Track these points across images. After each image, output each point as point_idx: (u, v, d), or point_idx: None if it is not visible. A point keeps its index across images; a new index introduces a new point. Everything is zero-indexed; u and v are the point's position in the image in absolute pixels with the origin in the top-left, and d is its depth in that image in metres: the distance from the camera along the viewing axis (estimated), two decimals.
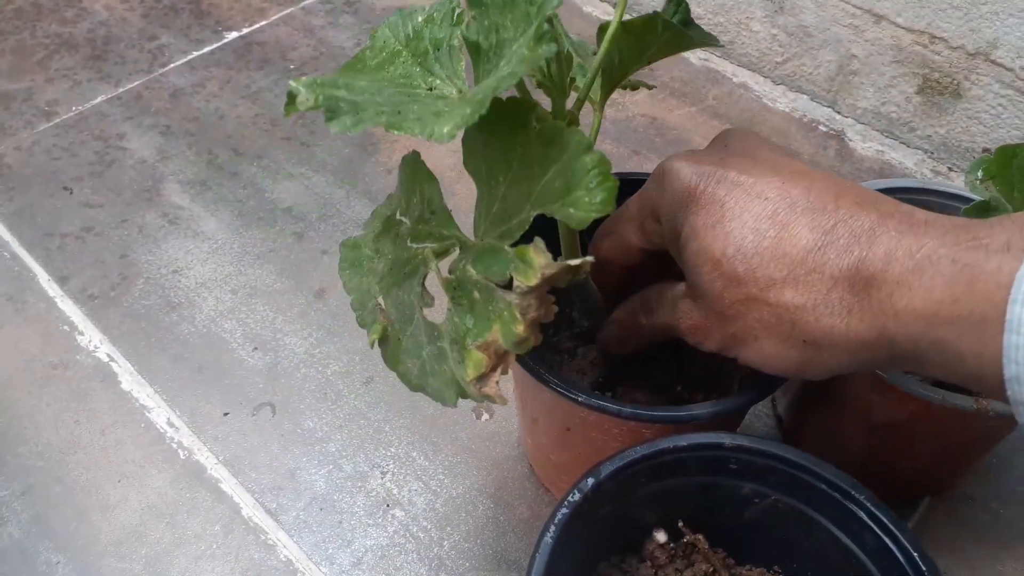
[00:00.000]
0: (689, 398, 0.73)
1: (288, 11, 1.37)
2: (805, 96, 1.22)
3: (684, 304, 0.54)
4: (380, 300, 0.52)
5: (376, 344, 0.52)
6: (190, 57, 1.28)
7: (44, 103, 1.20)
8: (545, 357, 0.78)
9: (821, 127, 1.19)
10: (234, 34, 1.32)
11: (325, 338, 0.92)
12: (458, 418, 0.85)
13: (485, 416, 0.86)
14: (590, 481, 0.54)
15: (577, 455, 0.69)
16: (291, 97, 0.45)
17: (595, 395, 0.59)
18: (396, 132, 0.41)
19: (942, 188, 0.80)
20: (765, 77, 1.26)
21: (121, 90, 1.22)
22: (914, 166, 1.13)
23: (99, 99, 1.21)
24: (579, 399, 0.58)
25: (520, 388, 0.74)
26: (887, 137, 1.17)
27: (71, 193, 1.07)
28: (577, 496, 0.53)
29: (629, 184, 0.71)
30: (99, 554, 0.76)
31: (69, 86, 1.23)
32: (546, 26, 0.41)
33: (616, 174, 0.43)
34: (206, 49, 1.30)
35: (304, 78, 0.45)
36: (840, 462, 0.55)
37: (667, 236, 0.53)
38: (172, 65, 1.27)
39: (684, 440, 0.56)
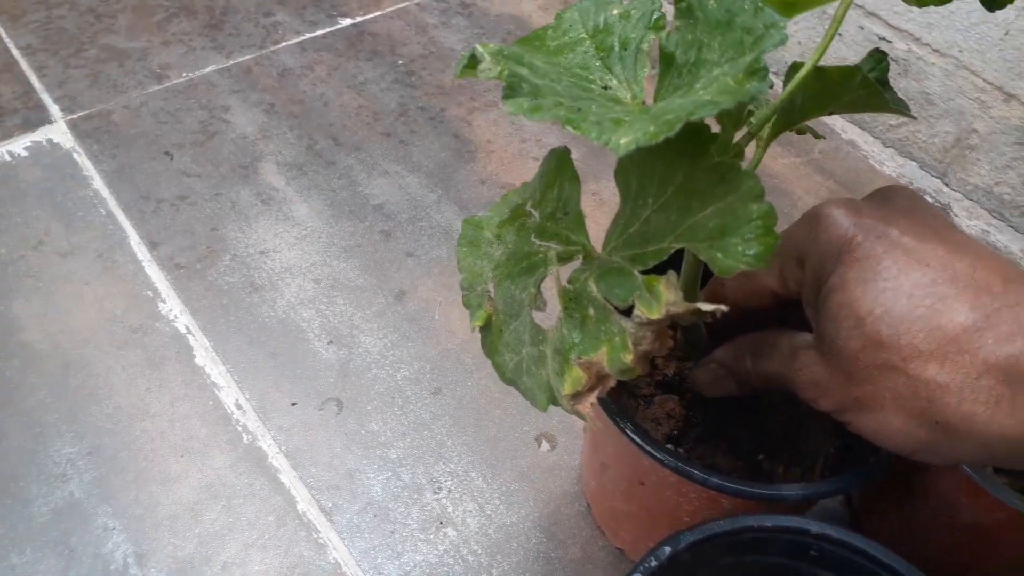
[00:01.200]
0: (770, 469, 0.70)
1: (403, 5, 1.37)
2: (915, 163, 1.18)
3: (807, 356, 0.51)
4: (490, 287, 0.51)
5: (476, 330, 0.51)
6: (302, 38, 1.29)
7: (157, 66, 1.22)
8: (621, 400, 0.76)
9: (928, 197, 1.14)
10: (348, 21, 1.33)
11: (399, 341, 0.92)
12: (519, 444, 0.84)
13: (546, 446, 0.84)
14: (667, 550, 0.52)
15: (645, 509, 0.67)
16: (472, 61, 0.42)
17: (682, 459, 0.57)
18: (571, 129, 0.39)
19: None
20: (876, 138, 1.22)
21: (232, 62, 1.24)
22: (1020, 252, 1.09)
23: (210, 68, 1.23)
24: (665, 461, 0.56)
25: (592, 430, 0.72)
26: (995, 218, 1.12)
27: (171, 159, 1.09)
28: (653, 563, 0.51)
29: None
30: (154, 526, 0.76)
31: (183, 52, 1.25)
32: (761, 61, 0.39)
33: None
34: (319, 32, 1.31)
35: (491, 45, 0.43)
36: (913, 555, 0.53)
37: (808, 284, 0.50)
38: (284, 44, 1.28)
39: (769, 521, 0.54)
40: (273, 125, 1.15)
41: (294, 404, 0.86)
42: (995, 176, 1.10)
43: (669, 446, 0.72)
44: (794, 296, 0.53)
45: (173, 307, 0.93)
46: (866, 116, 1.21)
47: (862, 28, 1.16)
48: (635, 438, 0.58)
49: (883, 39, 1.15)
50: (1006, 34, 1.02)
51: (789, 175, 1.15)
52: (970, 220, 1.12)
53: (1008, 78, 1.04)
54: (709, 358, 0.61)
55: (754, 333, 0.56)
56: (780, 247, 0.55)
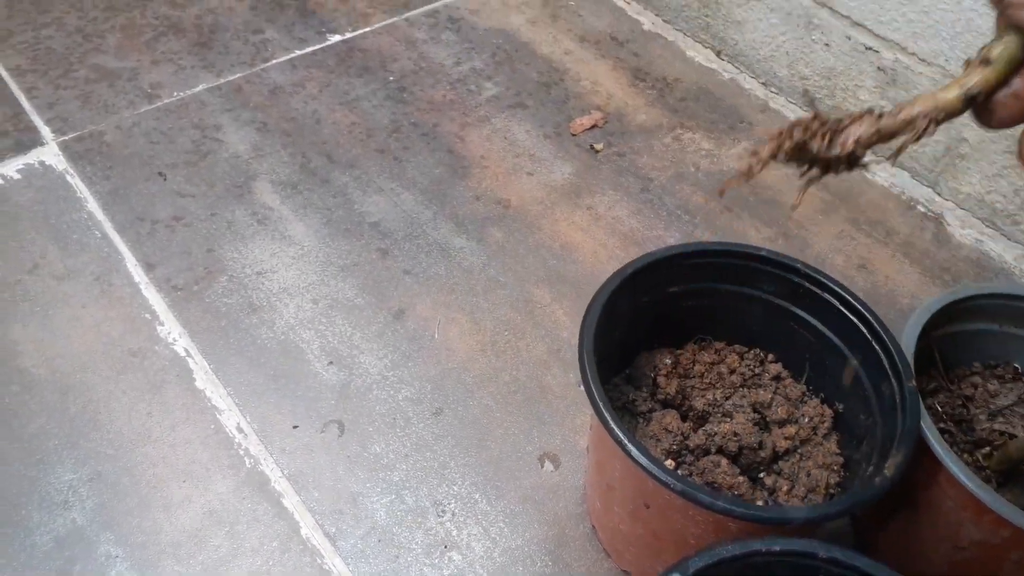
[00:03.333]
0: (774, 485, 0.71)
1: (392, 20, 1.37)
2: (906, 173, 1.19)
3: None
4: None
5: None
6: (292, 55, 1.29)
7: (148, 85, 1.22)
8: (624, 420, 0.77)
9: (920, 207, 1.15)
10: (337, 37, 1.33)
11: (400, 361, 0.92)
12: (522, 464, 0.84)
13: (549, 466, 0.85)
14: None
15: (651, 531, 0.67)
16: None
17: (689, 482, 0.57)
18: None
19: None
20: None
21: (222, 81, 1.24)
22: (1013, 260, 1.10)
23: (200, 87, 1.22)
24: (671, 485, 0.57)
25: (598, 452, 0.72)
26: (987, 226, 1.13)
27: (165, 179, 1.09)
28: None
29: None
30: (158, 553, 0.76)
31: (173, 70, 1.25)
32: None
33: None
34: (308, 49, 1.31)
35: None
36: (919, 574, 0.53)
37: None
38: (274, 61, 1.28)
39: (777, 545, 0.54)
40: (266, 143, 1.15)
41: (296, 427, 0.86)
42: (986, 185, 1.11)
43: (669, 462, 0.73)
44: None
45: (172, 330, 0.93)
46: None
47: (849, 38, 1.17)
48: (641, 461, 0.58)
49: (870, 48, 1.16)
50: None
51: (782, 185, 1.16)
52: (963, 229, 1.13)
53: None
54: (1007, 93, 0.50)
55: None
56: None
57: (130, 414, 0.85)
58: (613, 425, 0.60)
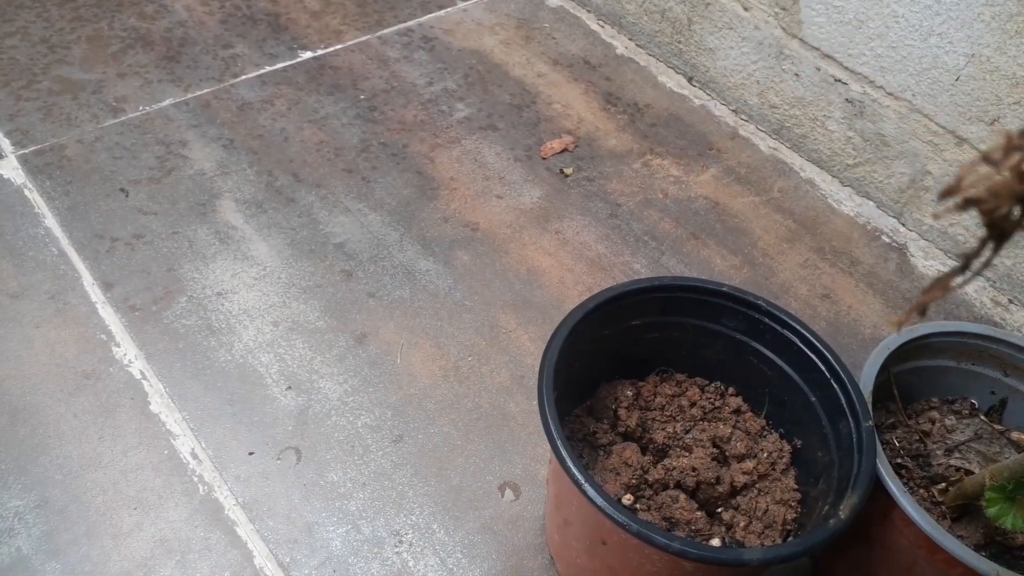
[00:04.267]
0: (731, 520, 0.71)
1: (365, 38, 1.36)
2: (872, 203, 1.20)
3: None
4: None
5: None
6: (262, 71, 1.28)
7: (113, 98, 1.20)
8: (584, 453, 0.76)
9: (884, 237, 1.16)
10: (308, 54, 1.32)
11: (360, 386, 0.91)
12: (482, 493, 0.83)
13: (510, 495, 0.84)
14: None
15: (609, 567, 0.67)
16: None
17: (645, 524, 0.57)
18: None
19: (1017, 341, 0.78)
20: (833, 177, 1.24)
21: (190, 96, 1.22)
22: (974, 292, 1.11)
23: (167, 102, 1.21)
24: (627, 527, 0.56)
25: (556, 485, 0.72)
26: (950, 258, 1.14)
27: (127, 196, 1.07)
28: None
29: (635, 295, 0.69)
30: None
31: (140, 84, 1.23)
32: None
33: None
34: (279, 65, 1.29)
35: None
36: None
37: None
38: (243, 77, 1.27)
39: None
40: (232, 161, 1.13)
41: (251, 453, 0.84)
42: (949, 217, 1.13)
43: (628, 497, 0.72)
44: None
45: (128, 351, 0.91)
46: (824, 153, 1.23)
47: (818, 69, 1.18)
48: (597, 501, 0.57)
49: (839, 80, 1.17)
50: (957, 80, 1.04)
51: (749, 213, 1.17)
52: (926, 260, 1.14)
53: (960, 122, 1.06)
54: None
55: None
56: None
57: (81, 438, 0.83)
58: (570, 464, 0.59)
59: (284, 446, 0.85)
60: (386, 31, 1.38)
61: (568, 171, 1.19)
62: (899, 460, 0.78)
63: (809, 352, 0.70)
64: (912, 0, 1.04)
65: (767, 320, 0.72)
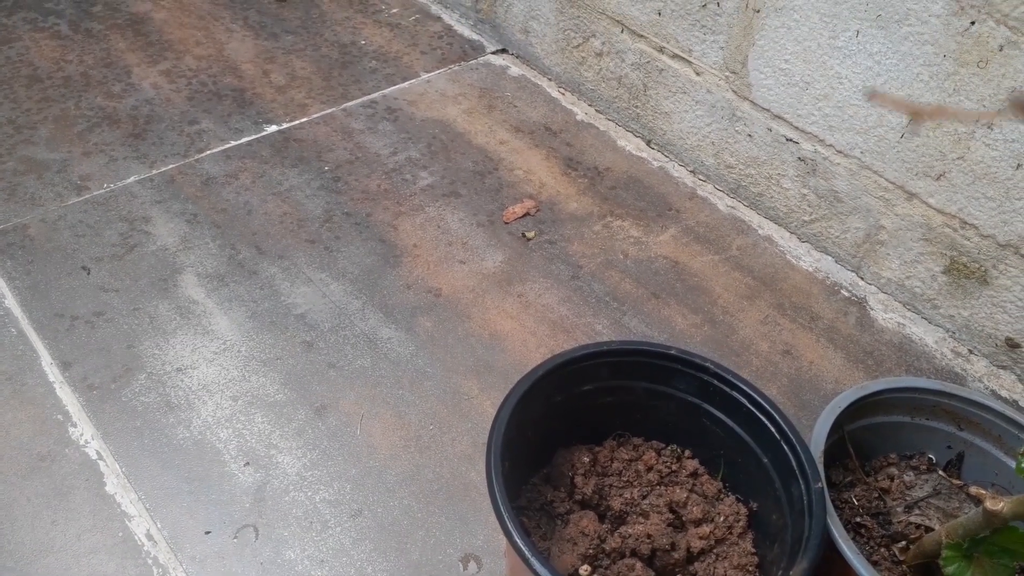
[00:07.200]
0: None
1: (330, 111, 1.39)
2: (830, 258, 1.22)
3: None
4: None
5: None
6: (227, 146, 1.30)
7: (77, 176, 1.21)
8: (541, 523, 0.76)
9: (844, 291, 1.18)
10: (273, 128, 1.34)
11: (319, 460, 0.90)
12: (444, 568, 0.82)
13: (473, 567, 0.83)
14: None
15: None
16: None
17: None
18: None
19: (967, 395, 0.78)
20: (791, 233, 1.26)
21: (155, 172, 1.24)
22: (934, 344, 1.12)
23: (132, 179, 1.22)
24: None
25: (510, 559, 0.71)
26: (909, 310, 1.16)
27: (88, 274, 1.07)
28: None
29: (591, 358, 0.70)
30: None
31: (105, 162, 1.24)
32: None
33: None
34: (244, 140, 1.31)
35: None
36: None
37: None
38: (208, 152, 1.28)
39: None
40: (195, 235, 1.14)
41: (208, 532, 0.83)
42: (905, 270, 1.14)
43: (585, 567, 0.71)
44: None
45: (84, 431, 0.90)
46: (781, 210, 1.25)
47: (770, 130, 1.21)
48: None
49: (790, 140, 1.20)
50: (902, 136, 1.07)
51: (708, 272, 1.18)
52: (886, 313, 1.16)
53: (908, 177, 1.09)
54: None
55: None
56: None
57: (33, 523, 0.82)
58: (518, 541, 0.59)
59: (241, 524, 0.84)
60: (351, 103, 1.41)
61: (530, 235, 1.21)
62: (858, 519, 0.78)
63: (758, 413, 0.71)
64: (854, 62, 1.07)
65: (716, 382, 0.73)
